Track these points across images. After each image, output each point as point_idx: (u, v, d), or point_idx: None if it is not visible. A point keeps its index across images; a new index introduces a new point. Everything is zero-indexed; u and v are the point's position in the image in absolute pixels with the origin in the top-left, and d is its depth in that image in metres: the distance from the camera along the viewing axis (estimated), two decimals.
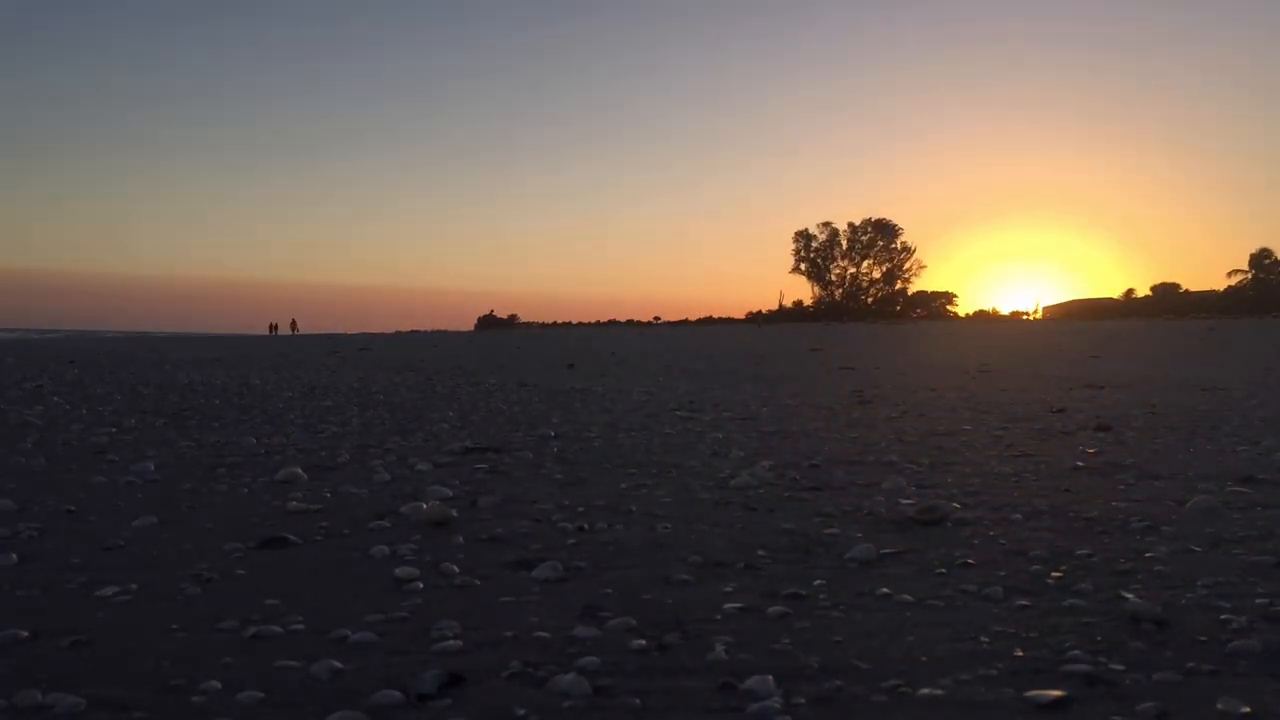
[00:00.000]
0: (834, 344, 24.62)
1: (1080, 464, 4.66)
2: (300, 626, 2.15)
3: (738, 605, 2.31)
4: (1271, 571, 2.60)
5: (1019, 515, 3.38)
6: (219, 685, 1.80)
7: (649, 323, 73.30)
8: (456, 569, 2.65)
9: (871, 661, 1.92)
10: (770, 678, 1.80)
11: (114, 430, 5.95)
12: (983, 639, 2.05)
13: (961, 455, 5.00)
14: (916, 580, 2.54)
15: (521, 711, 1.69)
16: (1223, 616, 2.18)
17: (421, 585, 2.50)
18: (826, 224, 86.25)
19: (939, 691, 1.76)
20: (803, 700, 1.73)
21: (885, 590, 2.43)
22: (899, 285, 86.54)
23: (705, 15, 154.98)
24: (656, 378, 12.13)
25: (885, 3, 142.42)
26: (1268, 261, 74.92)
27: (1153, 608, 2.18)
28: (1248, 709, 1.67)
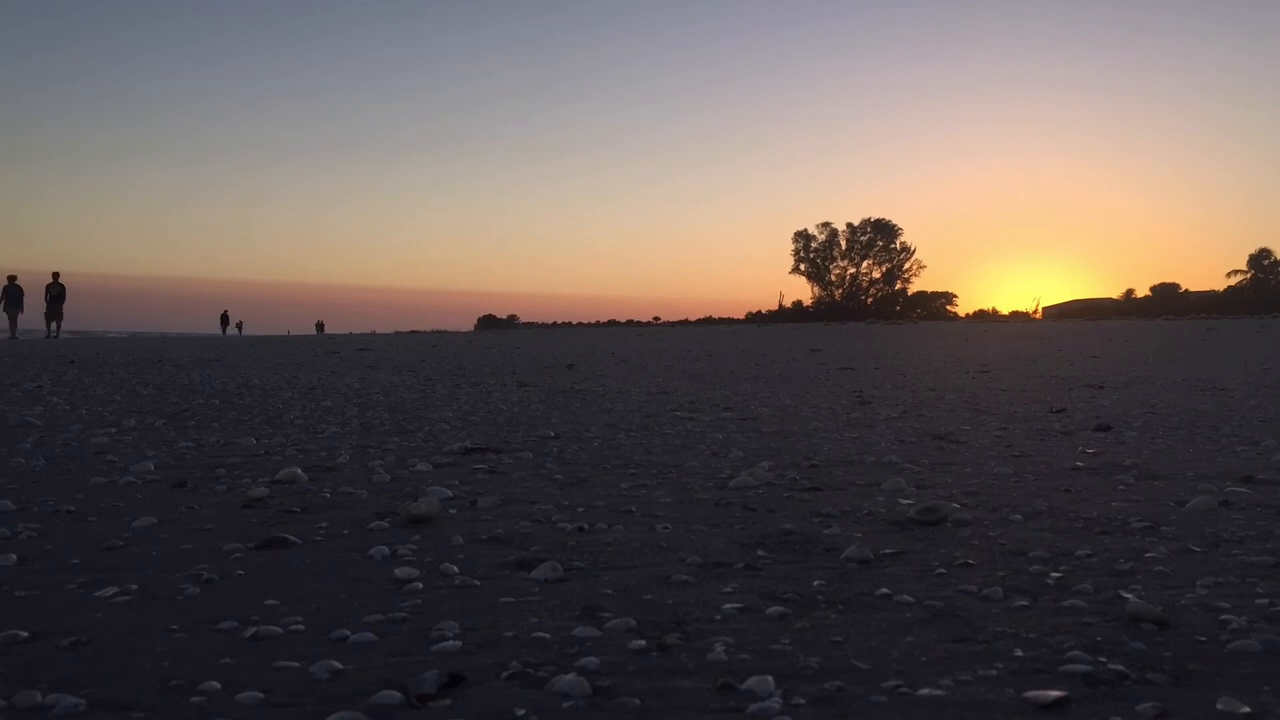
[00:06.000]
0: (834, 344, 24.61)
1: (1080, 464, 4.66)
2: (300, 626, 2.15)
3: (738, 605, 2.31)
4: (1271, 571, 2.60)
5: (1019, 515, 3.38)
6: (219, 685, 1.80)
7: (649, 323, 73.18)
8: (456, 569, 2.65)
9: (871, 661, 1.92)
10: (770, 678, 1.80)
11: (114, 430, 5.95)
12: (982, 639, 2.05)
13: (961, 455, 5.00)
14: (916, 580, 2.54)
15: (521, 711, 1.68)
16: (1223, 616, 2.18)
17: (421, 585, 2.50)
18: (826, 224, 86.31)
19: (939, 691, 1.76)
20: (802, 700, 1.72)
21: (885, 590, 2.43)
22: (899, 285, 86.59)
23: (704, 15, 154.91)
24: (656, 378, 12.12)
25: (886, 3, 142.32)
26: (1267, 262, 74.99)
27: (1153, 608, 2.18)
28: (1248, 709, 1.67)
